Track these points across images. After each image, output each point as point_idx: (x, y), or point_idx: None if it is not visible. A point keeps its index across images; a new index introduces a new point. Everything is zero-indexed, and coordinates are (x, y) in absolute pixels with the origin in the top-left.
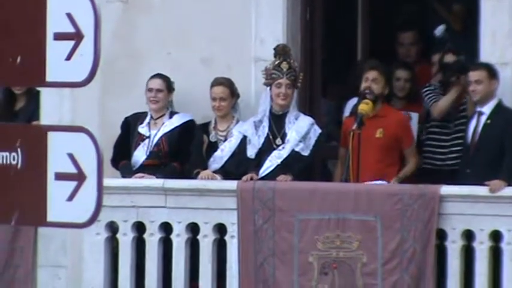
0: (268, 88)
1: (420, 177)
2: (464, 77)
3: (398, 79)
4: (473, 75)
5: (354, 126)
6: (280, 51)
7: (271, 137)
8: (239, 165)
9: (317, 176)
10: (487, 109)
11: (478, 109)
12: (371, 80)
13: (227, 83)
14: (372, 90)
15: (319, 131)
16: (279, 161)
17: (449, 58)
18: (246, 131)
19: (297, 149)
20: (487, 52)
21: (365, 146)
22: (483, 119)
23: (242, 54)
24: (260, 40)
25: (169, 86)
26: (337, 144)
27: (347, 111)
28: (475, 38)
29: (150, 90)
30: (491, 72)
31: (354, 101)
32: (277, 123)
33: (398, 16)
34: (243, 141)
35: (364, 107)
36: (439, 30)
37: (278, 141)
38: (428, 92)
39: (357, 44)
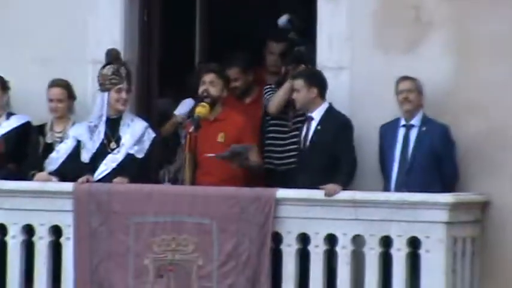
0: (106, 93)
1: (264, 178)
2: (303, 67)
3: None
4: (295, 84)
5: (191, 129)
6: (115, 57)
7: (105, 141)
8: (75, 168)
9: (154, 179)
10: (316, 115)
11: (308, 114)
12: (208, 82)
13: (64, 85)
14: (209, 93)
15: (154, 134)
16: (114, 165)
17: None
18: (81, 135)
19: (131, 152)
20: (323, 56)
21: (206, 150)
22: (313, 124)
23: (79, 55)
24: (97, 42)
25: (4, 85)
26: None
27: (179, 110)
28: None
29: None
30: (309, 79)
31: (189, 101)
32: (112, 127)
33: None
34: (78, 145)
35: (201, 109)
36: (283, 20)
37: (113, 144)
38: (267, 90)
39: (195, 45)
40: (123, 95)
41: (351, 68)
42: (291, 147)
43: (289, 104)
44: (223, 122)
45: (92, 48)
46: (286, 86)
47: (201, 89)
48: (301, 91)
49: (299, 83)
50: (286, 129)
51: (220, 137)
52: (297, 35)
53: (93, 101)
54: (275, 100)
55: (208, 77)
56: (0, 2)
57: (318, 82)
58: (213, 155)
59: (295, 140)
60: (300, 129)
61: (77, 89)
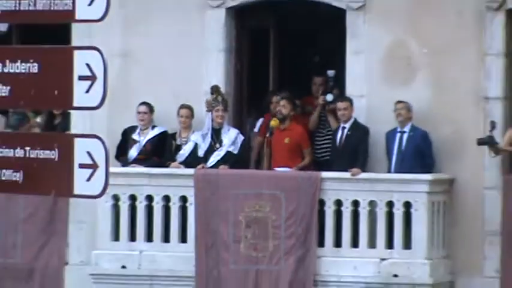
0: (210, 113)
1: (313, 166)
2: (334, 106)
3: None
4: (342, 105)
5: (267, 135)
6: (215, 89)
7: (212, 143)
8: (194, 160)
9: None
10: (348, 125)
11: (342, 125)
12: (281, 105)
13: (190, 107)
14: (282, 112)
15: (243, 137)
16: (219, 158)
17: (329, 97)
18: (197, 139)
19: (229, 150)
20: (350, 88)
21: (277, 148)
22: (345, 131)
23: (197, 90)
24: (209, 82)
25: (151, 109)
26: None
27: (256, 127)
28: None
29: (138, 113)
30: (351, 102)
31: (260, 121)
32: (216, 134)
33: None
34: (196, 146)
35: (273, 122)
36: (331, 73)
37: (217, 145)
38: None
39: (269, 80)
40: (220, 113)
41: (368, 95)
42: (324, 146)
43: (325, 121)
44: (290, 131)
45: (204, 85)
46: (315, 114)
47: (277, 109)
48: (349, 109)
49: (347, 104)
50: (322, 135)
51: (286, 140)
52: (333, 85)
53: (205, 119)
54: (311, 122)
55: (282, 102)
56: (149, 58)
57: (352, 104)
58: None
59: (327, 141)
60: (334, 134)
61: (196, 111)
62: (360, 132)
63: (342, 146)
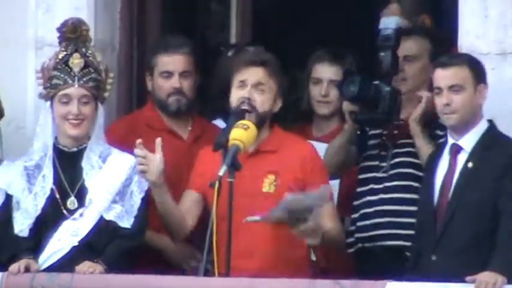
0: (50, 105)
1: (355, 261)
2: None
3: (318, 81)
4: (445, 75)
5: (221, 171)
6: (70, 34)
7: (58, 195)
8: (3, 245)
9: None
10: (467, 142)
11: (452, 142)
12: (252, 84)
13: None
14: (254, 104)
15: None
16: (75, 241)
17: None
18: (11, 185)
19: (108, 217)
20: (472, 35)
21: (244, 208)
22: (461, 159)
23: (11, 34)
24: (45, 8)
25: None
26: None
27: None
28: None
29: None
30: (478, 70)
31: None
32: (68, 168)
33: None
34: (9, 203)
35: (241, 134)
36: (390, 23)
37: (71, 202)
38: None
39: (229, 18)
40: (74, 107)
41: None
42: (386, 207)
43: (386, 139)
44: (275, 155)
45: (34, 20)
46: (342, 135)
47: (238, 97)
48: (467, 88)
49: (462, 72)
50: (380, 175)
51: (268, 183)
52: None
53: (36, 120)
54: (325, 157)
55: (254, 74)
56: None
57: (486, 79)
58: (257, 218)
59: (391, 195)
60: (430, 170)
61: (6, 97)
62: (503, 162)
63: (447, 206)
